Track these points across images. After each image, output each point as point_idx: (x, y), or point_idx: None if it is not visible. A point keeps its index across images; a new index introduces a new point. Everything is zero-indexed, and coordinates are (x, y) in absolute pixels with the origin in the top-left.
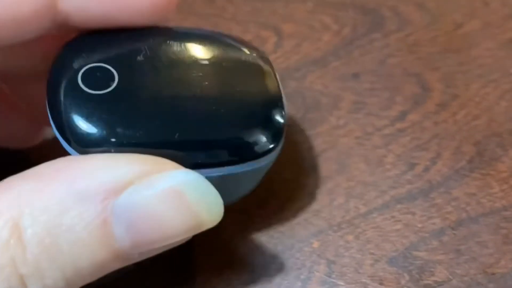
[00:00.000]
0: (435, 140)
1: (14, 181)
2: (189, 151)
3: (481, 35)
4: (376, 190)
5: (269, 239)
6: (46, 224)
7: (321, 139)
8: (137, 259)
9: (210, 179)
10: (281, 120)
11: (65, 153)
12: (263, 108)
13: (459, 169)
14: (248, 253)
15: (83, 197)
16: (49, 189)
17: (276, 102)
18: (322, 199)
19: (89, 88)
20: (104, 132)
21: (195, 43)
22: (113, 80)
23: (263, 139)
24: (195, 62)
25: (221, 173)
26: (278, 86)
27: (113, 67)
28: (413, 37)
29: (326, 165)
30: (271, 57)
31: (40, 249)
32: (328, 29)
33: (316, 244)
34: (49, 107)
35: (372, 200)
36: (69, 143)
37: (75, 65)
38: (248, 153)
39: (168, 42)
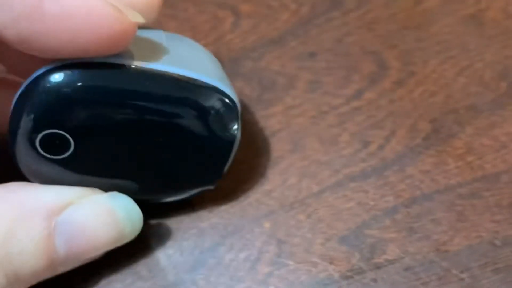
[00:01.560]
0: (390, 118)
1: None
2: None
3: (440, 12)
4: (330, 169)
5: (219, 220)
6: (1, 237)
7: (276, 119)
8: (65, 269)
9: None
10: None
11: None
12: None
13: (414, 147)
14: (197, 235)
15: (31, 214)
16: (2, 208)
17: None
18: (274, 179)
19: (46, 153)
20: None
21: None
22: (69, 146)
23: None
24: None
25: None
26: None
27: (69, 134)
28: (371, 15)
29: (279, 145)
30: (228, 37)
31: None
32: (286, 9)
33: (267, 225)
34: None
35: (325, 179)
36: None
37: (31, 128)
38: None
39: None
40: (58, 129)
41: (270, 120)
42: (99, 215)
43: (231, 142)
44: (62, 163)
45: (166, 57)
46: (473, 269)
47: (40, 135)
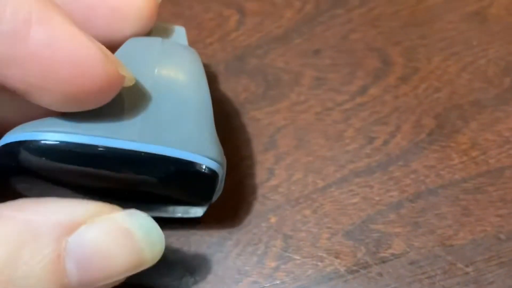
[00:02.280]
0: (395, 114)
1: None
2: None
3: (443, 8)
4: (335, 164)
5: (226, 215)
6: (4, 258)
7: (281, 116)
8: None
9: None
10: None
11: None
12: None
13: (418, 142)
14: (204, 230)
15: (39, 233)
16: (8, 227)
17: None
18: (280, 175)
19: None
20: None
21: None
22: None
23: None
24: None
25: None
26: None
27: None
28: (375, 12)
29: (285, 141)
30: (233, 35)
31: None
32: (290, 6)
33: (273, 219)
34: None
35: (330, 175)
36: None
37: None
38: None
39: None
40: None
41: (275, 116)
42: (114, 235)
43: (206, 207)
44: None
45: (140, 122)
46: (477, 262)
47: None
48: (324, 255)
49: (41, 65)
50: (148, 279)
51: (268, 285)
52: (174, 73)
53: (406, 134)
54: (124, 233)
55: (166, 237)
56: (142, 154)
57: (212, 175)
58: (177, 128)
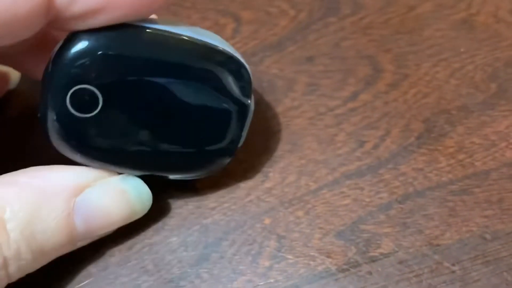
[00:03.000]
0: (385, 119)
1: None
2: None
3: (432, 17)
4: (327, 167)
5: (222, 216)
6: (25, 218)
7: (276, 121)
8: (83, 244)
9: None
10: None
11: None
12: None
13: (407, 146)
14: (201, 231)
15: (52, 196)
16: (27, 191)
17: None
18: (274, 178)
19: (76, 111)
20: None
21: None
22: (97, 104)
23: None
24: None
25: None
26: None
27: (99, 90)
28: (367, 20)
29: (279, 145)
30: (230, 43)
31: (20, 237)
32: (285, 15)
33: (267, 221)
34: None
35: (322, 177)
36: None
37: (64, 83)
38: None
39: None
40: (89, 85)
41: (270, 121)
42: (113, 195)
43: (247, 104)
44: (89, 123)
45: (187, 28)
46: (464, 262)
47: (70, 92)
48: (316, 254)
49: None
50: (145, 277)
51: (262, 283)
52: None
53: (396, 138)
54: (120, 193)
55: (164, 238)
56: (196, 41)
57: (248, 74)
58: (215, 40)
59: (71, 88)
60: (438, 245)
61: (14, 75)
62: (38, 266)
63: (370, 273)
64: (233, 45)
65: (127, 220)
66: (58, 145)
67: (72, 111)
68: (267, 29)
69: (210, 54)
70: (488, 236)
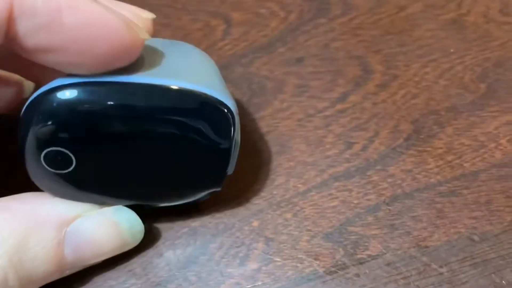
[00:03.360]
0: (374, 120)
1: None
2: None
3: (422, 17)
4: (315, 169)
5: (210, 219)
6: (14, 245)
7: (265, 123)
8: (71, 272)
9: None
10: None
11: None
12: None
13: (396, 147)
14: (189, 233)
15: (43, 224)
16: (16, 218)
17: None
18: (262, 180)
19: (51, 168)
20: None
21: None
22: (71, 162)
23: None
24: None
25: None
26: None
27: (70, 151)
28: (357, 21)
29: (268, 147)
30: (219, 45)
31: (8, 264)
32: (275, 16)
33: (255, 223)
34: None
35: (311, 179)
36: None
37: (36, 145)
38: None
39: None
40: (61, 147)
41: (259, 123)
42: (105, 227)
43: (228, 147)
44: (65, 177)
45: (162, 68)
46: (452, 263)
47: (44, 152)
48: (304, 257)
49: (77, 44)
50: (132, 280)
51: (249, 286)
52: (180, 48)
53: (384, 140)
54: (113, 225)
55: (152, 241)
56: (168, 88)
57: (228, 113)
58: (193, 75)
59: (43, 150)
60: (426, 246)
61: (28, 84)
62: None
63: (357, 275)
64: (223, 47)
65: (118, 251)
66: (42, 188)
67: (47, 167)
68: (257, 30)
69: (184, 102)
70: (476, 238)
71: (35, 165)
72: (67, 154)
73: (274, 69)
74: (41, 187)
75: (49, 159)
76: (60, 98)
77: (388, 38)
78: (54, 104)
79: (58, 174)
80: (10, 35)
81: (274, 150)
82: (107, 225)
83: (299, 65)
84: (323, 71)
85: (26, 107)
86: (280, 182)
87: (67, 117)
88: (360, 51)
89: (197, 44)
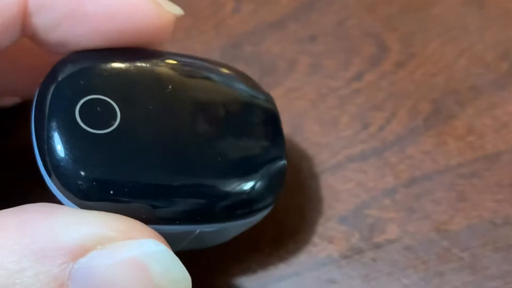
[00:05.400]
0: (391, 100)
1: None
2: (186, 209)
3: None
4: (330, 150)
5: None
6: (1, 280)
7: (276, 102)
8: None
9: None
10: (283, 175)
11: None
12: (265, 162)
13: (414, 128)
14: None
15: (42, 257)
16: (9, 245)
17: (278, 154)
18: None
19: (88, 126)
20: (98, 185)
21: (200, 77)
22: (115, 117)
23: (264, 195)
24: (198, 103)
25: (214, 229)
26: (281, 134)
27: (114, 101)
28: None
29: None
30: (229, 22)
31: None
32: None
33: None
34: (36, 140)
35: (325, 161)
36: (53, 181)
37: (71, 94)
38: (247, 210)
39: (172, 75)
40: (103, 95)
41: None
42: (127, 270)
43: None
44: (103, 141)
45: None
46: (473, 248)
47: (81, 102)
48: (318, 240)
49: (105, 33)
50: None
51: (261, 270)
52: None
53: (402, 120)
54: (140, 269)
55: None
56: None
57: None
58: None
59: (80, 100)
60: (446, 230)
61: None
62: None
63: (374, 259)
64: (232, 25)
65: None
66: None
67: (83, 125)
68: (268, 7)
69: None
70: (498, 221)
71: (63, 129)
72: (110, 104)
73: (286, 47)
74: (58, 172)
75: (87, 112)
76: (94, 53)
77: (405, 15)
78: (88, 54)
79: (95, 138)
80: (29, 31)
81: (286, 131)
82: (131, 265)
83: (312, 43)
84: (337, 50)
85: (46, 79)
86: (293, 164)
87: (106, 61)
88: (376, 29)
89: (205, 22)
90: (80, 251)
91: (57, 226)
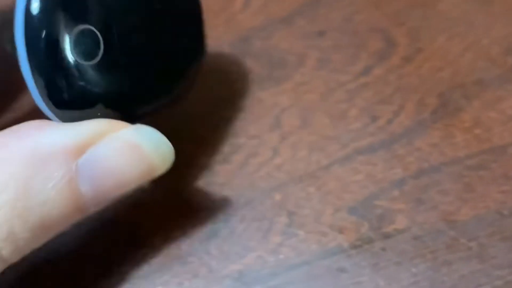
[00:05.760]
0: (398, 93)
1: None
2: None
3: None
4: (338, 143)
5: (231, 192)
6: (16, 190)
7: (286, 96)
8: (97, 208)
9: None
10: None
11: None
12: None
13: (422, 121)
14: (210, 207)
15: (48, 160)
16: (14, 158)
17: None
18: (284, 154)
19: (79, 57)
20: (83, 100)
21: None
22: (99, 47)
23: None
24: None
25: None
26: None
27: (98, 31)
28: None
29: (289, 121)
30: (238, 18)
31: (12, 214)
32: None
33: (277, 197)
34: (30, 63)
35: (334, 153)
36: (47, 104)
37: (67, 24)
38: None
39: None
40: (91, 25)
41: (280, 97)
42: (123, 152)
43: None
44: (92, 70)
45: None
46: (480, 238)
47: (76, 31)
48: (328, 230)
49: None
50: (152, 253)
51: (272, 259)
52: None
53: (410, 113)
54: (133, 149)
55: (175, 217)
56: None
57: None
58: None
59: (73, 29)
60: (454, 221)
61: None
62: (42, 242)
63: (383, 249)
64: (242, 20)
65: (147, 178)
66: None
67: (76, 58)
68: (277, 3)
69: None
70: (505, 212)
71: (54, 62)
72: (96, 35)
73: (295, 42)
74: (51, 105)
75: (79, 43)
76: None
77: (412, 11)
78: None
79: (84, 69)
80: None
81: (296, 124)
82: (126, 149)
83: (320, 38)
84: (345, 45)
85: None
86: (302, 156)
87: None
88: (383, 24)
89: (215, 17)
90: (82, 147)
91: (54, 134)
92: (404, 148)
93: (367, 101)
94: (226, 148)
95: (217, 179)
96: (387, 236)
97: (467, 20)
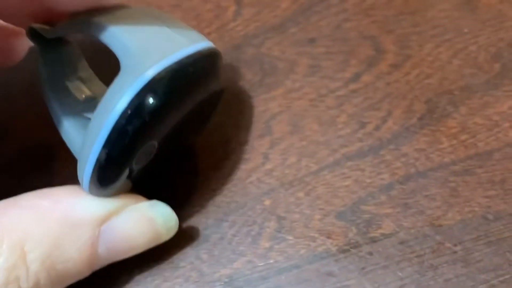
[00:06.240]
0: (387, 100)
1: (10, 208)
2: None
3: None
4: (328, 148)
5: (222, 198)
6: (47, 248)
7: (277, 102)
8: (101, 267)
9: None
10: None
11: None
12: None
13: (409, 127)
14: (201, 212)
15: (78, 225)
16: (49, 219)
17: None
18: (275, 159)
19: (136, 163)
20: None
21: None
22: (151, 155)
23: None
24: None
25: None
26: None
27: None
28: (369, 2)
29: (280, 127)
30: (231, 25)
31: (41, 268)
32: None
33: (267, 202)
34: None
35: (323, 158)
36: (91, 181)
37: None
38: None
39: None
40: (157, 140)
41: (271, 103)
42: (139, 223)
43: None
44: (137, 171)
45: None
46: (466, 242)
47: (142, 148)
48: (316, 235)
49: None
50: (143, 257)
51: (262, 264)
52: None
53: (397, 119)
54: (148, 221)
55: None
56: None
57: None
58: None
59: (142, 146)
60: (440, 225)
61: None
62: None
63: (370, 253)
64: (234, 27)
65: (152, 245)
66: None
67: (134, 166)
68: (268, 11)
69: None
70: (490, 216)
71: (118, 169)
72: (154, 146)
73: (286, 49)
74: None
75: (141, 153)
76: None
77: (401, 18)
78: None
79: (132, 169)
80: None
81: (287, 130)
82: (142, 221)
83: (311, 45)
84: (335, 52)
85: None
86: (292, 162)
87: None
88: (372, 32)
89: (208, 25)
90: (105, 217)
91: (87, 203)
92: (392, 154)
93: (356, 107)
94: (217, 154)
95: (208, 184)
96: (374, 240)
97: (455, 28)
